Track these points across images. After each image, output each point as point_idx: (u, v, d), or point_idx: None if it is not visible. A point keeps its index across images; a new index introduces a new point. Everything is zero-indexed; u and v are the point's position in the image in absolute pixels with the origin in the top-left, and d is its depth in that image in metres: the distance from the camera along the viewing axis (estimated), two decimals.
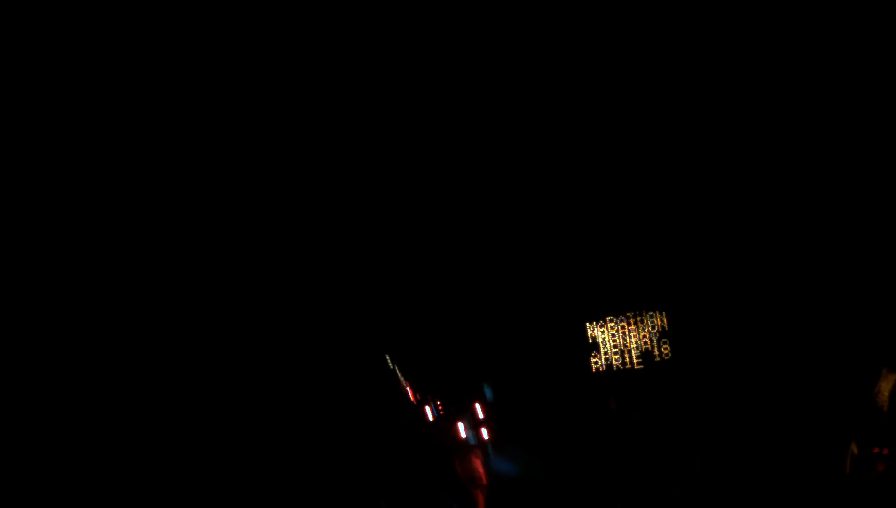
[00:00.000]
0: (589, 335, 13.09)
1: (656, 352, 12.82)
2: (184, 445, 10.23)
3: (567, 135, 12.01)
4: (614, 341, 13.03)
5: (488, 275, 13.07)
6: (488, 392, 12.72)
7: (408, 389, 12.30)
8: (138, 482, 9.62)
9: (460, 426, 11.75)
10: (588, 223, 12.96)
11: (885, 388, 7.84)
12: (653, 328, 12.96)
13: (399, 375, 12.17)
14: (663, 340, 12.73)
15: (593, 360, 12.97)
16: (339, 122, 11.19)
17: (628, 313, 12.98)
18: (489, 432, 11.85)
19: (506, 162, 12.38)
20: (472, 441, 11.62)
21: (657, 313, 12.95)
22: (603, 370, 12.95)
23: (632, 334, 12.92)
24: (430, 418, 12.23)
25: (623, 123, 11.75)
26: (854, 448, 7.40)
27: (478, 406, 12.29)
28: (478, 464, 11.48)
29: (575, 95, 11.47)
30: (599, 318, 13.04)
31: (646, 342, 12.77)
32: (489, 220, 12.89)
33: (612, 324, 13.04)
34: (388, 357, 12.05)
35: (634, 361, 12.81)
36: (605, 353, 12.98)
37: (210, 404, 10.75)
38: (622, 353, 12.93)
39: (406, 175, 12.15)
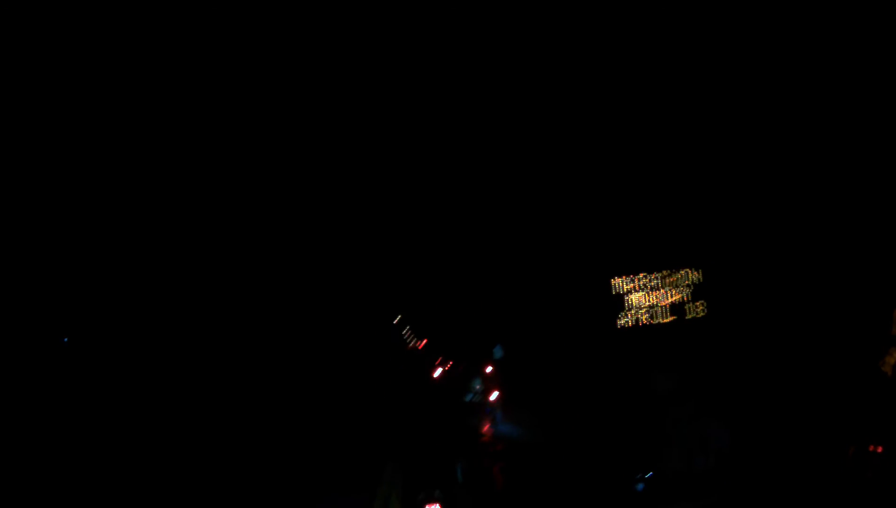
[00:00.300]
0: (615, 291, 12.45)
1: (689, 309, 12.16)
2: (196, 414, 10.34)
3: (604, 99, 11.52)
4: (643, 297, 12.38)
5: (510, 229, 12.61)
6: (498, 352, 12.39)
7: (415, 344, 12.20)
8: (144, 478, 9.57)
9: (469, 386, 11.58)
10: (617, 173, 12.27)
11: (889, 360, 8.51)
12: (687, 284, 12.26)
13: (407, 332, 12.07)
14: (698, 298, 12.07)
15: (620, 318, 12.39)
16: (354, 115, 10.97)
17: (664, 271, 12.29)
18: (499, 393, 11.55)
19: (533, 123, 11.91)
20: (478, 401, 11.40)
21: (692, 269, 12.24)
22: (630, 327, 12.36)
23: (663, 290, 12.28)
24: (436, 375, 12.12)
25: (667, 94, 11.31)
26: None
27: (489, 367, 12.03)
28: (485, 426, 11.28)
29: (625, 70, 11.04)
30: (628, 273, 12.40)
31: (679, 299, 12.12)
32: (515, 171, 12.39)
33: (644, 280, 12.38)
34: (398, 316, 11.95)
35: (665, 318, 12.18)
36: (633, 310, 12.38)
37: (225, 370, 10.83)
38: (651, 310, 12.30)
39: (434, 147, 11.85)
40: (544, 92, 11.63)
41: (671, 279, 12.24)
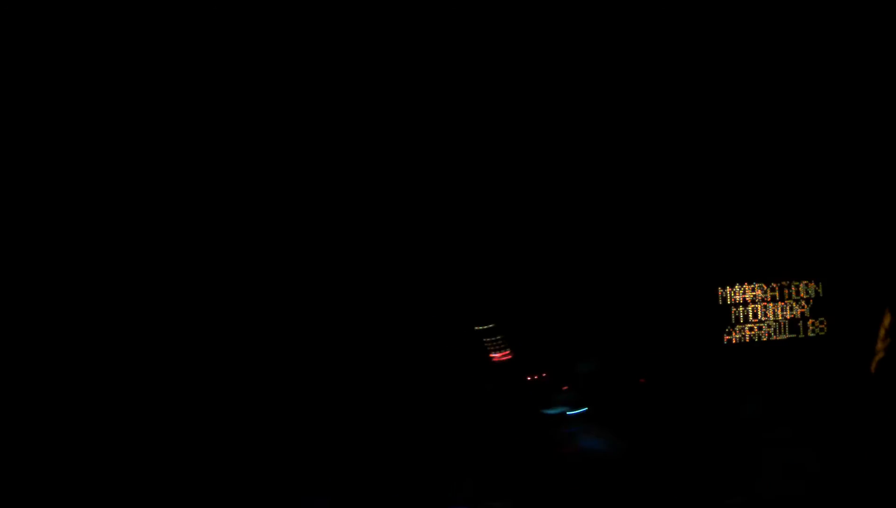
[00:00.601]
0: (723, 302, 11.56)
1: (808, 326, 11.11)
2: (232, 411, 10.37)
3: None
4: (756, 310, 11.43)
5: (610, 231, 12.01)
6: (585, 366, 11.82)
7: (498, 354, 11.76)
8: (152, 476, 9.47)
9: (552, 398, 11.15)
10: (730, 169, 11.48)
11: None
12: (806, 298, 11.23)
13: (491, 339, 11.66)
14: (819, 315, 11.00)
15: (727, 333, 11.51)
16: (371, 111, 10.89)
17: (782, 282, 11.33)
18: (577, 407, 11.06)
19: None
20: (556, 415, 10.94)
21: (812, 282, 11.19)
22: (738, 344, 11.46)
23: (779, 303, 11.28)
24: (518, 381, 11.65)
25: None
26: None
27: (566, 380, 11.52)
28: (560, 438, 10.80)
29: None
30: (738, 282, 11.49)
31: (796, 314, 11.08)
32: (614, 166, 11.85)
33: (756, 291, 11.45)
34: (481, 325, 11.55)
35: (780, 335, 11.16)
36: (742, 324, 11.46)
37: (273, 363, 10.85)
38: (763, 325, 11.32)
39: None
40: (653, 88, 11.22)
41: (788, 291, 11.26)
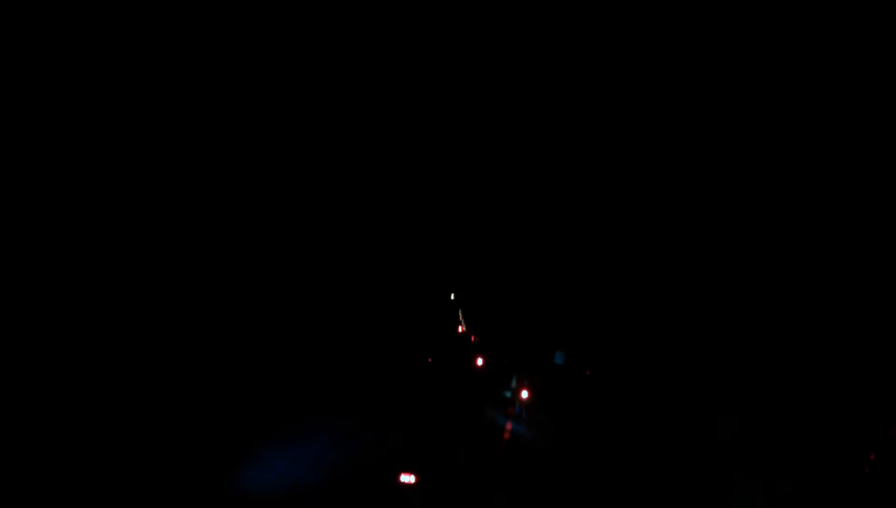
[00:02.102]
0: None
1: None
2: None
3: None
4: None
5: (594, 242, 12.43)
6: (559, 358, 12.74)
7: (468, 334, 12.72)
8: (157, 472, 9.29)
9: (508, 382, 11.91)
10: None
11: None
12: None
13: (461, 321, 12.61)
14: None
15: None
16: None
17: None
18: (529, 395, 11.96)
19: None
20: (508, 397, 11.83)
21: None
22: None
23: None
24: (479, 363, 12.51)
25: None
26: None
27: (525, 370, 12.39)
28: (507, 420, 11.70)
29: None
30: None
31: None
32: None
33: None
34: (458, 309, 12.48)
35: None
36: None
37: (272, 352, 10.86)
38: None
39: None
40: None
41: None
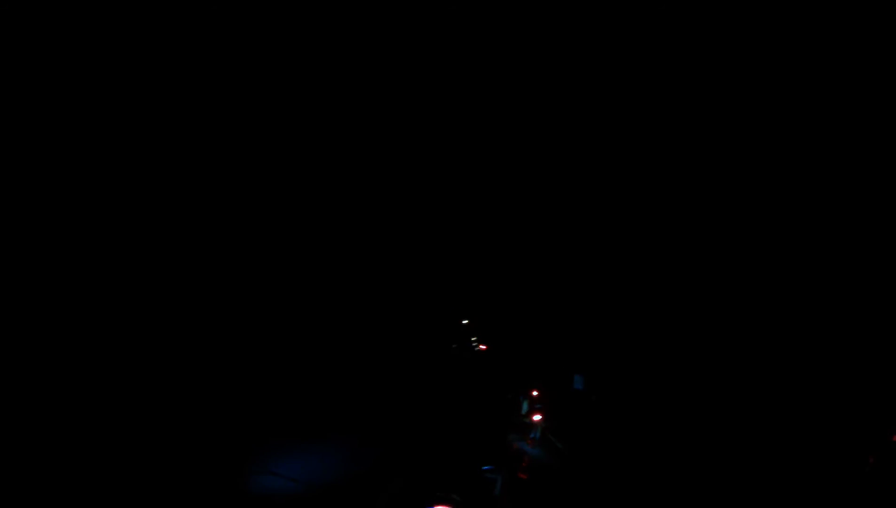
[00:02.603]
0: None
1: None
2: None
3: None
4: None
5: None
6: (578, 382, 13.35)
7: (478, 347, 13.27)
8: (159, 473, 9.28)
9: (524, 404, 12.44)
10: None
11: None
12: None
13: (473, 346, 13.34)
14: None
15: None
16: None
17: None
18: (542, 417, 12.64)
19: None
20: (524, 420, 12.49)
21: None
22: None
23: None
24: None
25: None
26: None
27: (535, 392, 13.13)
28: (525, 440, 12.34)
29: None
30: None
31: None
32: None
33: None
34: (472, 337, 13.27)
35: None
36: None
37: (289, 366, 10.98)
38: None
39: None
40: None
41: None
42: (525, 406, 13.85)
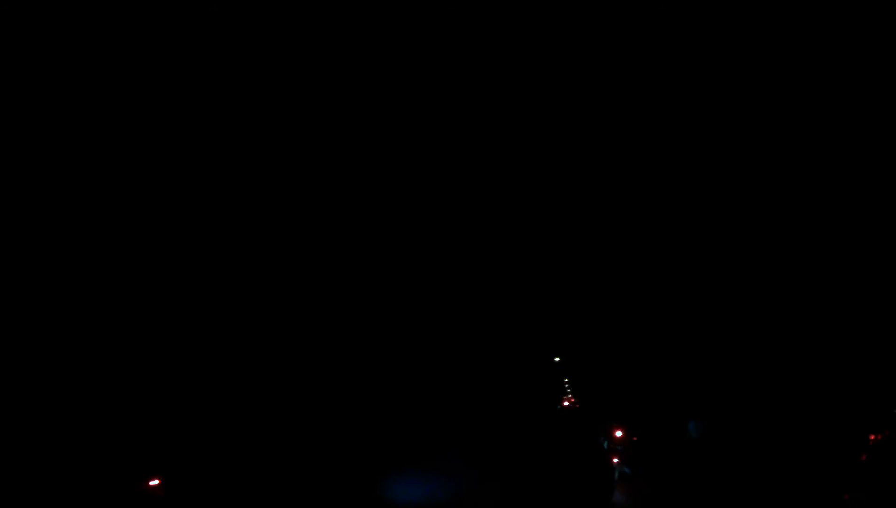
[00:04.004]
0: None
1: None
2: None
3: None
4: None
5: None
6: (694, 429, 12.74)
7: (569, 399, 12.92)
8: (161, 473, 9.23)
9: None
10: None
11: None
12: None
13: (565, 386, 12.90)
14: None
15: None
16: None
17: None
18: (620, 461, 12.19)
19: None
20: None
21: None
22: None
23: None
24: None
25: None
26: None
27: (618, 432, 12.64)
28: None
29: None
30: None
31: None
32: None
33: None
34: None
35: None
36: None
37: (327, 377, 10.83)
38: None
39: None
40: None
41: None
42: (605, 446, 13.19)
